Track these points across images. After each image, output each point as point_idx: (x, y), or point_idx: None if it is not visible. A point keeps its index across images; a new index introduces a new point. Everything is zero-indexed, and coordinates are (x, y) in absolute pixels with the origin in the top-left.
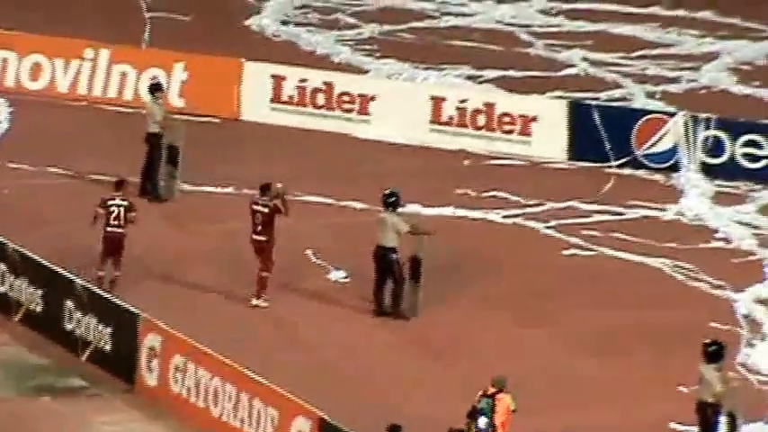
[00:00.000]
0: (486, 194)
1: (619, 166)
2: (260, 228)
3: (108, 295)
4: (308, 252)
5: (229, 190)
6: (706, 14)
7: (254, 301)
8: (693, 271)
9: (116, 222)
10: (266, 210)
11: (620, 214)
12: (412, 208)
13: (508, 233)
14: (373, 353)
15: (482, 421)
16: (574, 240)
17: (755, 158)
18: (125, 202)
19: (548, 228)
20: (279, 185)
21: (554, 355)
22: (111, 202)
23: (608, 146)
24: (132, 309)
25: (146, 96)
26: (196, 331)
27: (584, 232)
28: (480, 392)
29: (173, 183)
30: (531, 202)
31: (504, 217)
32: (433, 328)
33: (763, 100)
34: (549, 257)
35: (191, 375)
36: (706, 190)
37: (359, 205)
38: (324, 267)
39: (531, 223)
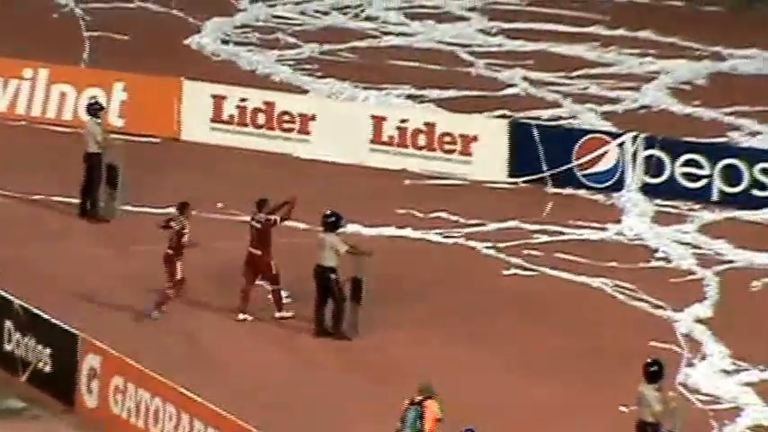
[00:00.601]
0: (427, 214)
1: (559, 186)
2: (255, 242)
3: (47, 316)
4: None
5: (170, 210)
6: (646, 34)
7: (277, 314)
8: (634, 291)
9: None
10: (259, 225)
11: (561, 234)
12: (353, 228)
13: (449, 253)
14: (314, 373)
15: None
16: (515, 261)
17: (695, 178)
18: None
19: (488, 248)
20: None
21: (495, 377)
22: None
23: (548, 165)
24: (72, 329)
25: (85, 116)
26: (137, 352)
27: (525, 252)
28: (408, 401)
29: (112, 203)
30: (472, 222)
31: (445, 237)
32: (374, 349)
33: (702, 119)
34: (489, 278)
35: (131, 396)
36: (646, 210)
37: (299, 225)
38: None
39: (472, 243)
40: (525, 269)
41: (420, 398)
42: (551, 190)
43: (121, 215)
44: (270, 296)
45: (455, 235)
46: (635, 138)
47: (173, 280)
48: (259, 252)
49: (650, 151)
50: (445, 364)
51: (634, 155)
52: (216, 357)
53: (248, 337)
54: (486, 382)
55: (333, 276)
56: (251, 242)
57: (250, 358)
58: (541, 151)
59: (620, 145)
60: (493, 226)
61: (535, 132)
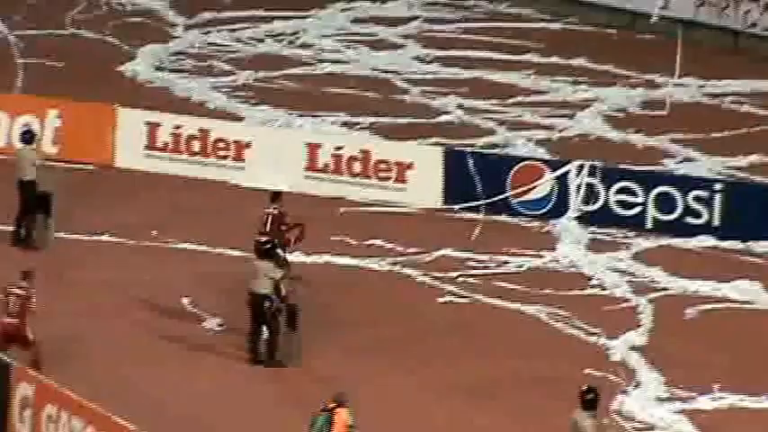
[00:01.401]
0: (362, 242)
1: (494, 213)
2: (266, 229)
3: None
4: (184, 300)
5: (104, 237)
6: (580, 62)
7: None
8: (569, 318)
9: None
10: (274, 214)
11: (496, 261)
12: (288, 256)
13: (384, 281)
14: (248, 402)
15: None
16: (450, 288)
17: (629, 205)
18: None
19: (423, 275)
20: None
21: (428, 403)
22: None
23: (483, 193)
24: (4, 358)
25: (18, 143)
26: (70, 381)
27: (461, 280)
28: (321, 408)
29: (47, 231)
30: (407, 250)
31: (381, 264)
32: (309, 377)
33: (636, 147)
34: (425, 305)
35: (64, 425)
36: (581, 237)
37: (234, 253)
38: (199, 316)
39: (407, 271)
40: (460, 296)
41: (332, 405)
42: (486, 217)
43: (55, 243)
44: None
45: (390, 262)
46: (569, 165)
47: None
48: (265, 238)
49: (585, 179)
50: (380, 391)
51: (568, 182)
52: (149, 387)
53: (182, 365)
54: (420, 409)
55: (267, 304)
56: (259, 230)
57: (184, 387)
58: (476, 179)
59: (555, 172)
60: (428, 253)
61: (470, 160)
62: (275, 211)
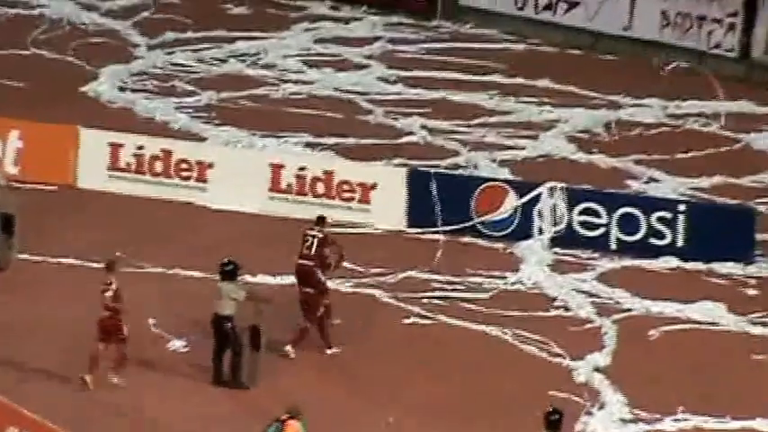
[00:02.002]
0: None
1: (458, 234)
2: (310, 252)
3: None
4: (149, 321)
5: (66, 259)
6: (544, 83)
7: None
8: (533, 339)
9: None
10: (319, 237)
11: (460, 283)
12: (251, 277)
13: (348, 302)
14: (212, 423)
15: None
16: (414, 309)
17: (593, 226)
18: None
19: (388, 296)
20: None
21: (394, 425)
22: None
23: (447, 214)
24: None
25: None
26: (30, 401)
27: (425, 301)
28: (274, 418)
29: (9, 251)
30: (371, 271)
31: (345, 285)
32: (273, 398)
33: (600, 168)
34: (389, 326)
35: None
36: (545, 258)
37: (198, 274)
38: (163, 337)
39: (371, 291)
40: (425, 317)
41: (284, 417)
42: (450, 238)
43: (18, 264)
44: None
45: (354, 283)
46: (533, 186)
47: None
48: (310, 263)
49: (549, 200)
50: (345, 411)
51: (532, 203)
52: (111, 407)
53: (146, 385)
54: (383, 429)
55: (230, 325)
56: (301, 254)
57: (147, 407)
58: (440, 200)
59: (524, 194)
60: (392, 274)
61: (434, 181)
62: (320, 234)
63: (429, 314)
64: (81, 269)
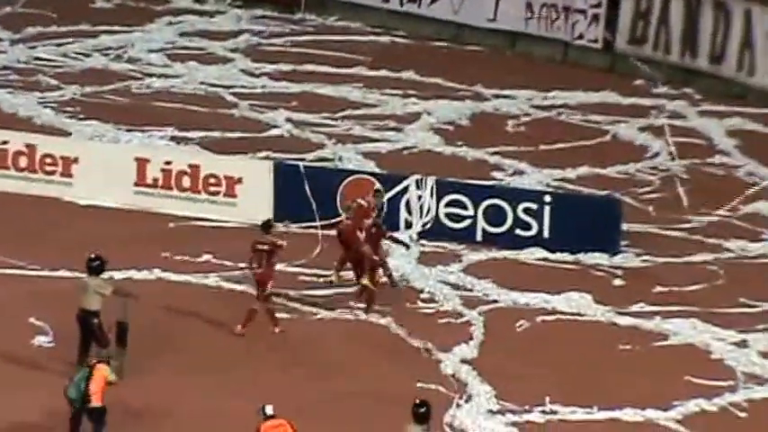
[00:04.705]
0: (192, 258)
1: (326, 228)
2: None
3: None
4: (14, 317)
5: None
6: (409, 75)
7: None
8: (400, 332)
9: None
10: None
11: (328, 276)
12: (118, 272)
13: (216, 297)
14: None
15: (72, 391)
16: (282, 303)
17: (459, 218)
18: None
19: (254, 291)
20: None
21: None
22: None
23: (314, 207)
24: None
25: None
26: None
27: (293, 294)
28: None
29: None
30: (239, 265)
31: (212, 280)
32: (139, 394)
33: (466, 160)
34: (256, 321)
35: None
36: (411, 250)
37: (63, 271)
38: (29, 332)
39: (239, 286)
40: (293, 311)
41: (94, 361)
42: (319, 232)
43: None
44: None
45: (221, 278)
46: (399, 178)
47: None
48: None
49: (418, 192)
50: (210, 409)
51: (399, 195)
52: None
53: (10, 382)
54: (247, 426)
55: (95, 321)
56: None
57: (13, 403)
58: (307, 193)
59: (386, 185)
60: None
61: (300, 174)
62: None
63: (297, 308)
64: None
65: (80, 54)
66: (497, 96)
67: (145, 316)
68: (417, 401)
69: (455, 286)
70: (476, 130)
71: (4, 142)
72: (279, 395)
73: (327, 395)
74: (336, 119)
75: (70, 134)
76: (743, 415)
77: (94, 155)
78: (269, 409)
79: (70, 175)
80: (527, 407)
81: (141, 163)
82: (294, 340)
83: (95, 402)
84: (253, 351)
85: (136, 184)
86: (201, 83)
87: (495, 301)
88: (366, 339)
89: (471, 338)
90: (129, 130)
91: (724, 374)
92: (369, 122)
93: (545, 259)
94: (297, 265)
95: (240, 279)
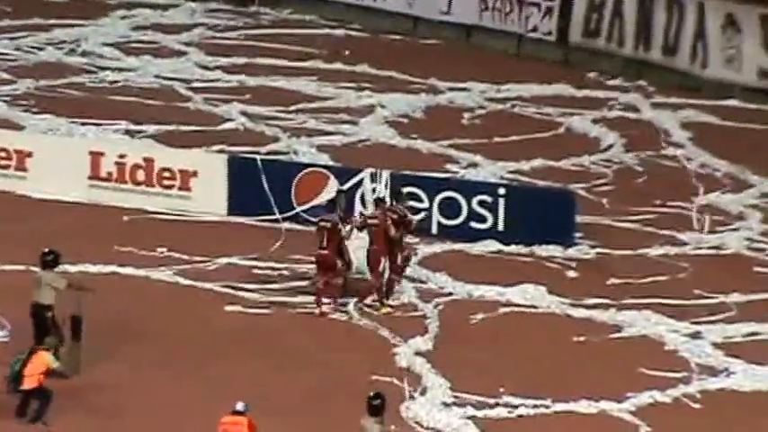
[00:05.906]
0: (148, 251)
1: (281, 221)
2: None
3: None
4: None
5: None
6: (363, 68)
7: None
8: (355, 324)
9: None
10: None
11: (283, 270)
12: (72, 266)
13: (171, 290)
14: None
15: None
16: (237, 296)
17: (415, 211)
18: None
19: (210, 284)
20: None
21: (213, 415)
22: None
23: (269, 200)
24: None
25: None
26: None
27: (248, 287)
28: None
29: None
30: (193, 259)
31: (167, 274)
32: (95, 389)
33: (420, 152)
34: (212, 315)
35: None
36: (366, 243)
37: (17, 265)
38: None
39: (193, 280)
40: (248, 305)
41: (36, 348)
42: (273, 225)
43: None
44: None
45: (176, 271)
46: (354, 171)
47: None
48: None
49: (369, 185)
50: (166, 402)
51: (354, 188)
52: None
53: None
54: (202, 418)
55: (49, 314)
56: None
57: None
58: (261, 186)
59: (340, 179)
60: (214, 262)
61: (254, 167)
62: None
63: (251, 301)
64: None
65: (34, 48)
66: (452, 89)
67: (100, 310)
68: (372, 394)
69: (410, 279)
70: (430, 122)
71: None
72: (234, 387)
73: (280, 388)
74: (291, 112)
75: (24, 128)
76: (696, 406)
77: (48, 149)
78: (239, 406)
79: (24, 169)
80: (482, 399)
81: (95, 157)
82: (247, 333)
83: (27, 385)
84: (206, 343)
85: (90, 178)
86: (156, 76)
87: (450, 294)
88: (323, 332)
89: (426, 331)
90: (83, 124)
91: (678, 366)
92: (323, 115)
93: (500, 251)
94: (245, 259)
95: (194, 272)
